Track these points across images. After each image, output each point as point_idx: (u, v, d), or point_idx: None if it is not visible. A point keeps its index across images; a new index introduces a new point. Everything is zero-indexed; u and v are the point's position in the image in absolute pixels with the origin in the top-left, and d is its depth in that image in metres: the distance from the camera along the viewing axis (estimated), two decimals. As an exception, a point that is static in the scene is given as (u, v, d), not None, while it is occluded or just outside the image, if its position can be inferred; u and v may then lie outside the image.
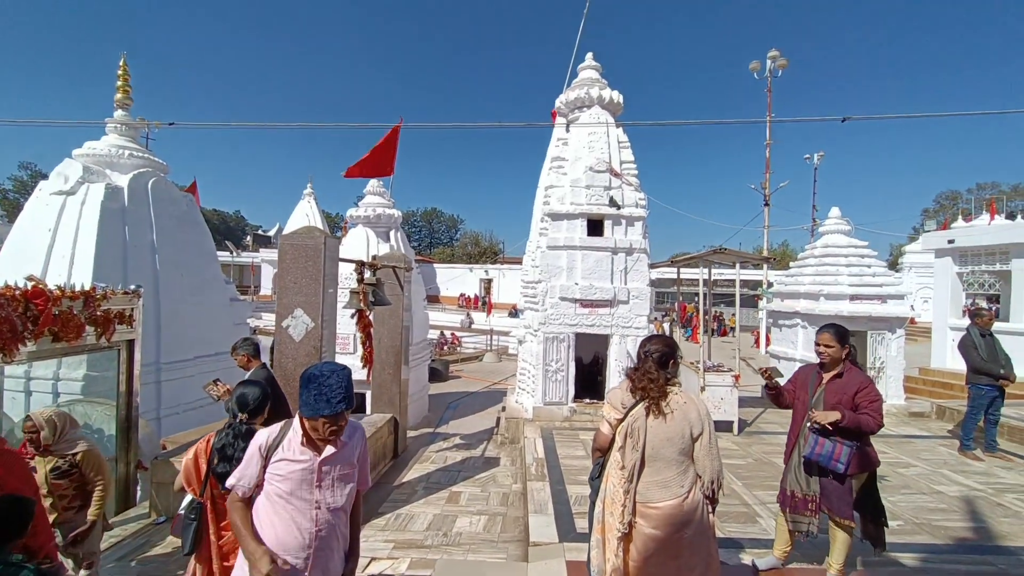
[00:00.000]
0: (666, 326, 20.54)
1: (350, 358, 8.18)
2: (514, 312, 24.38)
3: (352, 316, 5.80)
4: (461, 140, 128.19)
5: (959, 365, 7.42)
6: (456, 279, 40.42)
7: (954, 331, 10.84)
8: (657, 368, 2.39)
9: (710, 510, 2.42)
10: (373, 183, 9.12)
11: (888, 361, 7.61)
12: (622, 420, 2.44)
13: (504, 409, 8.23)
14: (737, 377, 6.62)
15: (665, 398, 2.36)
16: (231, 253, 33.32)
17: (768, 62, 18.63)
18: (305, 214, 28.19)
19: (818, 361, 3.30)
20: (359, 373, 7.66)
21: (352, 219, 9.04)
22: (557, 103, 8.20)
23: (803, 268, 8.30)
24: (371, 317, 6.46)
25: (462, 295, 38.70)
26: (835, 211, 8.35)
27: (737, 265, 7.26)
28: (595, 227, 7.42)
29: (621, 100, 7.88)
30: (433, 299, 39.56)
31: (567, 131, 7.88)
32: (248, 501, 2.04)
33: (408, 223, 67.44)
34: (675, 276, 10.96)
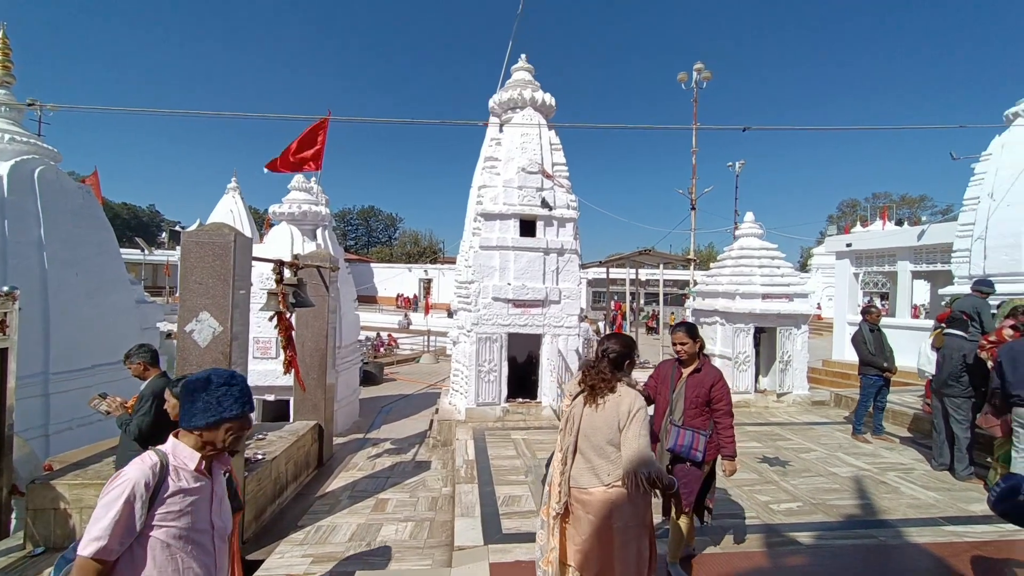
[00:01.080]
0: (601, 325, 21.24)
1: (272, 363, 7.72)
2: (452, 313, 24.17)
3: (271, 319, 5.47)
4: (400, 138, 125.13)
5: (855, 357, 8.21)
6: (394, 279, 39.47)
7: (851, 326, 11.99)
8: (611, 368, 2.49)
9: (646, 503, 2.44)
10: (298, 178, 8.66)
11: (794, 355, 8.27)
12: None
13: (437, 411, 8.12)
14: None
15: (611, 391, 2.45)
16: (142, 251, 30.54)
17: (694, 74, 19.66)
18: (229, 210, 26.35)
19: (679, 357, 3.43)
20: (282, 379, 7.28)
21: (275, 216, 8.54)
22: (491, 103, 8.19)
23: (721, 269, 8.83)
24: (292, 320, 6.13)
25: (399, 295, 37.86)
26: (750, 216, 8.96)
27: (661, 265, 7.58)
28: (527, 228, 7.48)
29: (554, 102, 8.00)
30: (370, 299, 38.43)
31: (500, 131, 7.89)
32: (110, 569, 1.59)
33: (344, 221, 65.05)
34: (614, 277, 11.34)
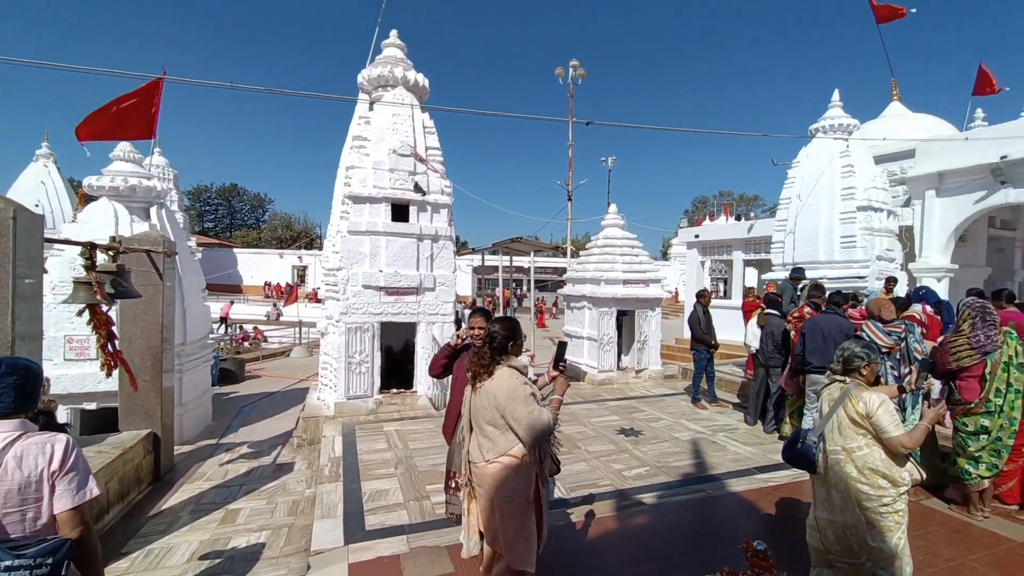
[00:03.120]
0: (483, 311, 21.64)
1: (92, 366, 6.51)
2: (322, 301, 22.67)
3: (80, 313, 4.58)
4: (270, 111, 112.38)
5: (697, 335, 9.28)
6: (263, 266, 35.92)
7: (698, 308, 13.66)
8: (491, 352, 2.61)
9: (527, 480, 2.54)
10: (123, 146, 7.27)
11: (650, 334, 9.18)
12: None
13: (304, 408, 7.56)
14: (532, 356, 7.20)
15: (489, 376, 2.58)
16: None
17: (570, 70, 20.62)
18: (40, 181, 21.62)
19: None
20: (106, 383, 6.20)
21: (92, 190, 7.12)
22: (359, 78, 7.69)
23: (589, 257, 9.43)
24: (114, 314, 5.21)
25: (267, 283, 34.64)
26: (613, 207, 9.68)
27: (532, 253, 7.84)
28: (400, 212, 7.22)
29: (427, 84, 7.76)
30: (234, 288, 34.61)
31: (370, 109, 7.46)
32: None
33: (200, 200, 57.44)
34: (499, 264, 11.46)
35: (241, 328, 19.71)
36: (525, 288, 32.97)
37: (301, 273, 37.49)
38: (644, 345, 9.17)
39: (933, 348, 4.48)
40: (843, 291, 6.19)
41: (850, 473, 2.67)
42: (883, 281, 7.98)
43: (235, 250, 38.99)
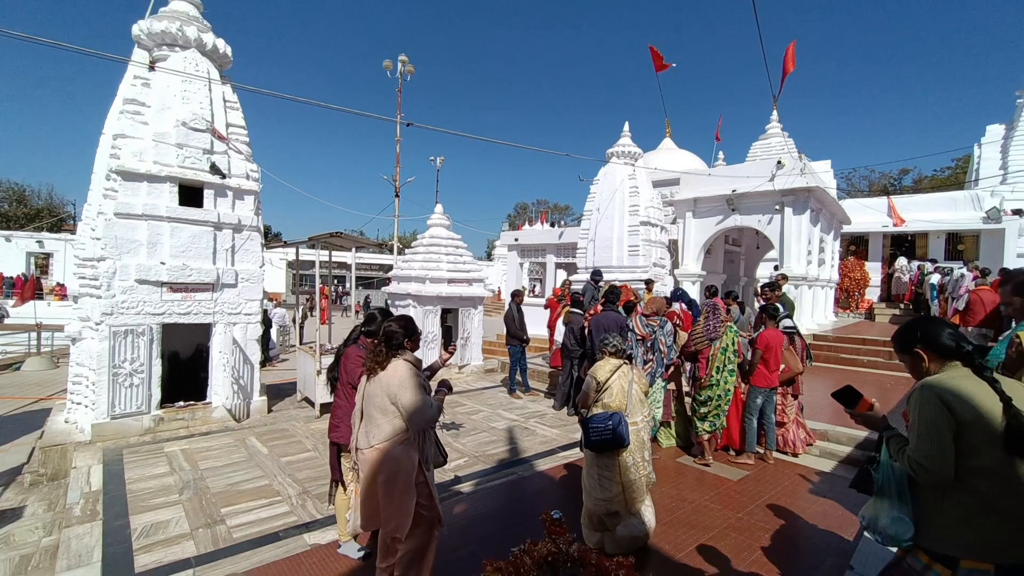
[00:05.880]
0: (297, 313, 19.77)
1: None
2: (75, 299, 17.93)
3: None
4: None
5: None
6: (-25, 251, 26.79)
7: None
8: (386, 348, 2.78)
9: (410, 465, 2.69)
10: None
11: (472, 331, 9.58)
12: None
13: (43, 436, 5.90)
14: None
15: (383, 368, 2.73)
16: None
17: (399, 64, 20.18)
18: None
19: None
20: None
21: None
22: (135, 30, 6.26)
23: (414, 255, 9.41)
24: None
25: (-15, 275, 26.05)
26: (439, 208, 9.83)
27: (354, 249, 7.49)
28: (191, 196, 6.14)
29: (230, 52, 6.74)
30: (-79, 282, 25.06)
31: (151, 70, 6.18)
32: None
33: None
34: (316, 260, 10.51)
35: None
36: (348, 286, 31.19)
37: (42, 262, 29.07)
38: (467, 342, 9.53)
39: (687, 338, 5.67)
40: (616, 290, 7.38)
41: (647, 434, 3.50)
42: (644, 283, 9.73)
43: (-75, 229, 28.27)
